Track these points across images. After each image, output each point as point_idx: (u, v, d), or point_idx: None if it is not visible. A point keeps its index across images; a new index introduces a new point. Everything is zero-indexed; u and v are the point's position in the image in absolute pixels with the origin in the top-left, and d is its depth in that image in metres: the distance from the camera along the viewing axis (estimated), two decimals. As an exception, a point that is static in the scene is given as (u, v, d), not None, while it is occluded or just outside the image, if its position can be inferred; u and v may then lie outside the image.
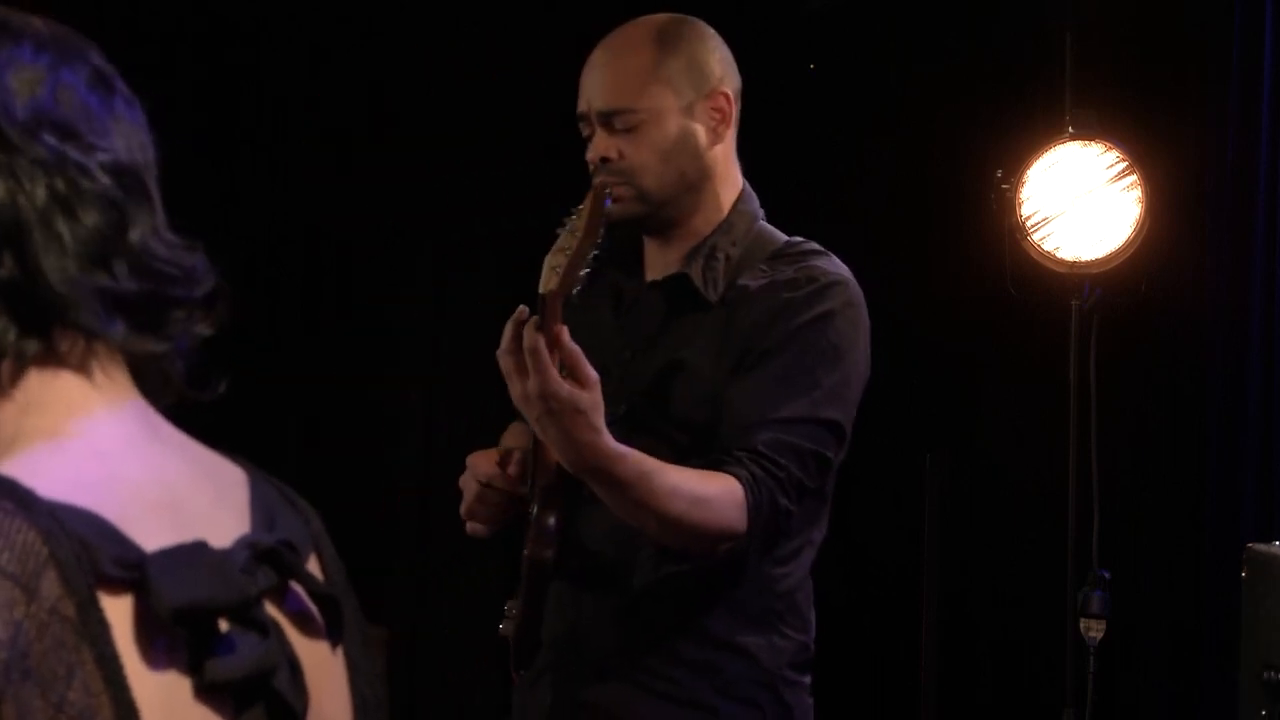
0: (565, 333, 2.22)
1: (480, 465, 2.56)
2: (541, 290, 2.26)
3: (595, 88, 2.52)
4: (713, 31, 2.58)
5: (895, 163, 4.46)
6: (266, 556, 1.06)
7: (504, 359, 2.24)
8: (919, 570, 4.22)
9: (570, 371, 2.22)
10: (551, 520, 2.43)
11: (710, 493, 2.34)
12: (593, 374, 2.23)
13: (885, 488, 4.43)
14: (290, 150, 4.89)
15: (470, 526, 2.58)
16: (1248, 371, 4.09)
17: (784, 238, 2.57)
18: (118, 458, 1.05)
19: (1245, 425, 4.08)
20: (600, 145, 2.50)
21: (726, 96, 2.54)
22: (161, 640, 0.99)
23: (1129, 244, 4.02)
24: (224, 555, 1.04)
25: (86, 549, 0.97)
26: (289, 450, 4.83)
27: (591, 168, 2.51)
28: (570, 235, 2.30)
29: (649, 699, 2.46)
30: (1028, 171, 4.05)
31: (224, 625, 1.02)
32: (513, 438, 2.64)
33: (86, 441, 1.05)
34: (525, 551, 2.44)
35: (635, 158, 2.49)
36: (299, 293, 4.96)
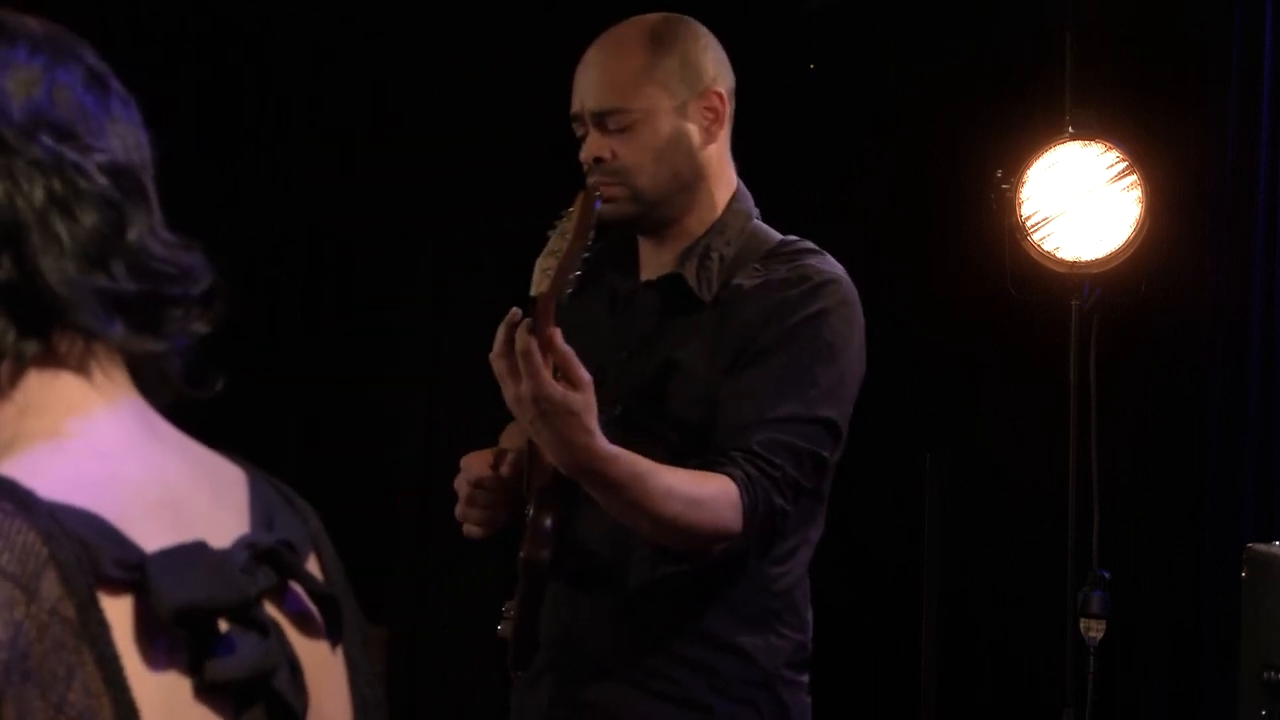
0: (558, 335, 2.22)
1: (473, 466, 2.55)
2: (533, 293, 2.25)
3: (588, 88, 2.51)
4: (706, 30, 2.58)
5: (895, 163, 4.46)
6: (266, 556, 1.06)
7: (497, 362, 2.24)
8: (919, 570, 4.22)
9: (563, 374, 2.22)
10: (548, 521, 2.42)
11: (705, 493, 2.33)
12: (586, 376, 2.23)
13: (885, 488, 4.43)
14: (292, 150, 4.89)
15: (466, 529, 2.57)
16: (1248, 371, 4.09)
17: (778, 236, 2.56)
18: (117, 458, 1.05)
19: (1245, 425, 4.08)
20: (594, 145, 2.50)
21: (720, 96, 2.54)
22: (161, 641, 0.99)
23: (1129, 244, 4.02)
24: (224, 555, 1.04)
25: (86, 549, 0.97)
26: (289, 450, 4.83)
27: (585, 168, 2.51)
28: (560, 238, 2.30)
29: (646, 699, 2.46)
30: (1028, 171, 4.05)
31: (224, 625, 1.02)
32: (510, 438, 2.63)
33: (86, 442, 1.05)
34: (521, 553, 2.44)
35: (629, 158, 2.49)
36: (299, 293, 4.97)
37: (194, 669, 1.01)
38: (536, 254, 2.34)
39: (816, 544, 2.57)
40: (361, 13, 4.84)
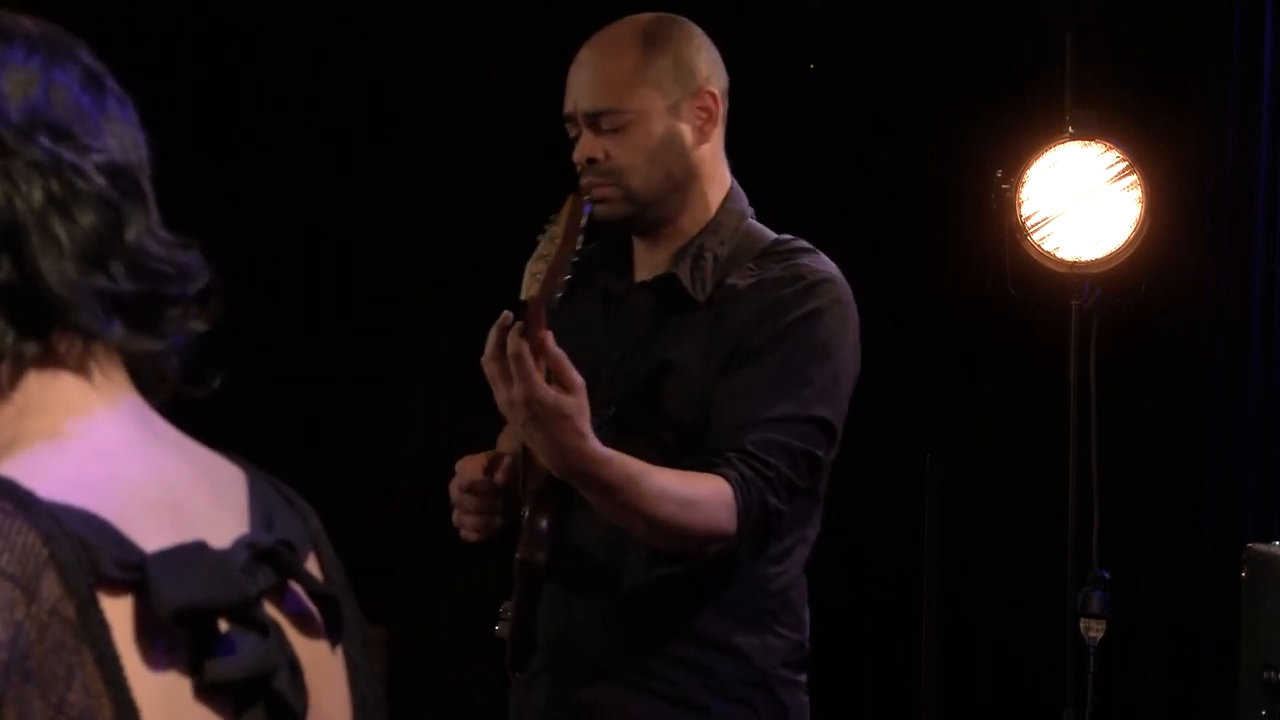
0: (550, 338, 2.21)
1: (466, 471, 2.56)
2: (523, 297, 2.25)
3: (581, 88, 2.51)
4: (699, 30, 2.57)
5: (895, 163, 4.46)
6: (266, 556, 1.06)
7: (488, 366, 2.23)
8: (919, 570, 4.21)
9: (555, 376, 2.22)
10: (543, 523, 2.43)
11: (698, 495, 2.33)
12: (578, 379, 2.23)
13: (885, 488, 4.43)
14: (290, 150, 4.89)
15: (462, 533, 2.57)
16: (1248, 371, 4.09)
17: (772, 235, 2.56)
18: (117, 458, 1.05)
19: (1245, 425, 4.08)
20: (587, 146, 2.50)
21: (713, 95, 2.53)
22: (161, 641, 0.99)
23: (1129, 244, 4.02)
24: (224, 555, 1.04)
25: (86, 550, 0.97)
26: (289, 450, 4.83)
27: (579, 168, 2.51)
28: (550, 242, 2.30)
29: (643, 699, 2.46)
30: (1028, 171, 4.05)
31: (224, 625, 1.02)
32: (506, 441, 2.63)
33: (86, 442, 1.05)
34: (517, 554, 2.44)
35: (622, 158, 2.48)
36: (299, 293, 4.97)
37: (194, 669, 1.01)
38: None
39: (813, 543, 2.57)
40: (359, 12, 4.84)
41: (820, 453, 2.44)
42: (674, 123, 2.50)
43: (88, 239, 1.04)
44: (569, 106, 2.53)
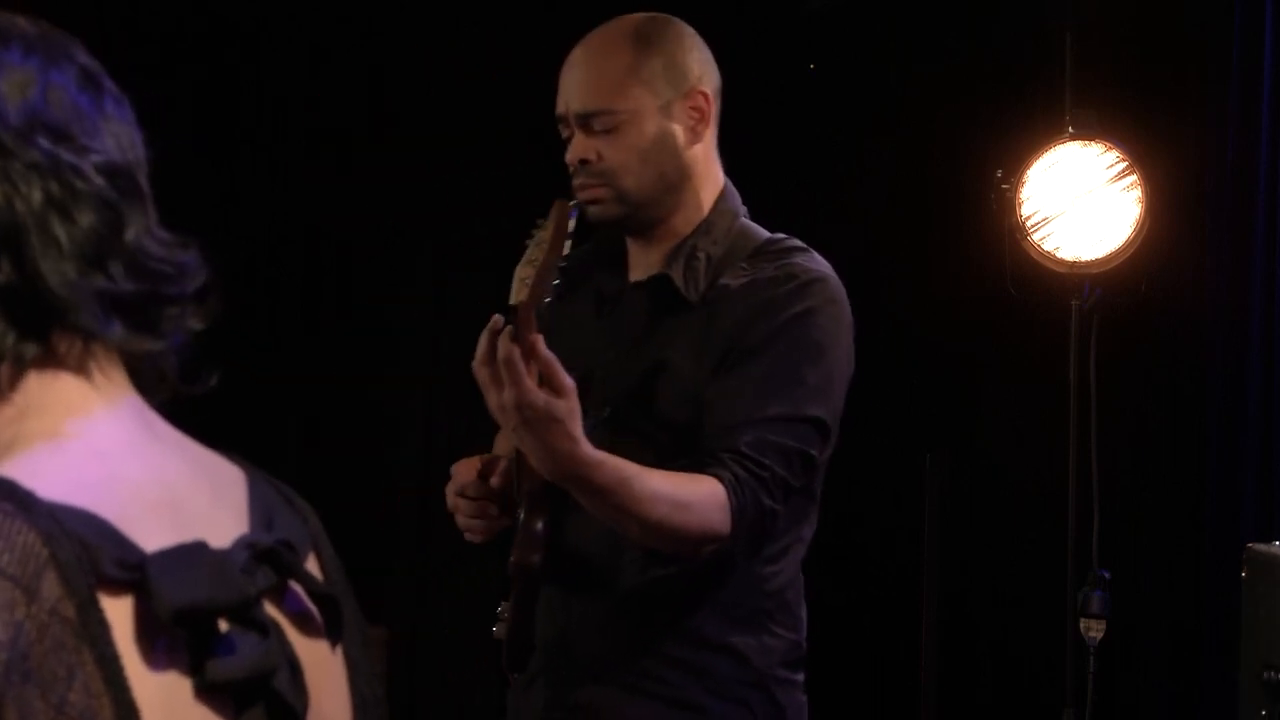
0: (540, 342, 2.21)
1: (459, 474, 2.56)
2: (512, 302, 2.25)
3: (573, 90, 2.51)
4: (691, 30, 2.57)
5: (895, 163, 4.46)
6: (266, 556, 1.06)
7: (479, 370, 2.23)
8: (919, 570, 4.22)
9: (546, 380, 2.21)
10: (539, 525, 2.43)
11: (692, 496, 2.33)
12: (569, 382, 2.22)
13: (885, 488, 4.43)
14: (290, 150, 4.89)
15: (466, 535, 2.58)
16: (1248, 371, 4.09)
17: (765, 234, 2.55)
18: (117, 458, 1.05)
19: (1245, 425, 4.08)
20: (579, 147, 2.49)
21: (705, 95, 2.53)
22: (162, 641, 0.99)
23: (1129, 244, 4.02)
24: (224, 555, 1.04)
25: (87, 550, 0.97)
26: (289, 450, 4.83)
27: (571, 169, 2.51)
28: (537, 247, 2.30)
29: (640, 701, 2.46)
30: (1028, 171, 4.06)
31: (224, 626, 1.02)
32: (503, 443, 2.63)
33: (86, 442, 1.05)
34: (512, 557, 2.44)
35: (614, 159, 2.48)
36: (299, 293, 4.96)
37: (194, 669, 1.01)
38: (535, 254, 2.34)
39: (810, 542, 2.56)
40: (358, 12, 4.84)
41: (814, 452, 2.43)
42: (666, 123, 2.50)
43: (87, 240, 1.04)
44: (561, 107, 2.52)
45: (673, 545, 2.37)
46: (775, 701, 2.51)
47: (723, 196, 2.57)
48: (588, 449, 2.25)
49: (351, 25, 4.85)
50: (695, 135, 2.52)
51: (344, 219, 4.86)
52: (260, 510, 1.12)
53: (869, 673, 4.54)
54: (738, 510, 2.34)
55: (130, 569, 0.98)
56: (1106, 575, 3.94)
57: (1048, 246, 4.05)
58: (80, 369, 1.06)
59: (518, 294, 2.25)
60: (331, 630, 1.12)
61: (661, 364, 2.47)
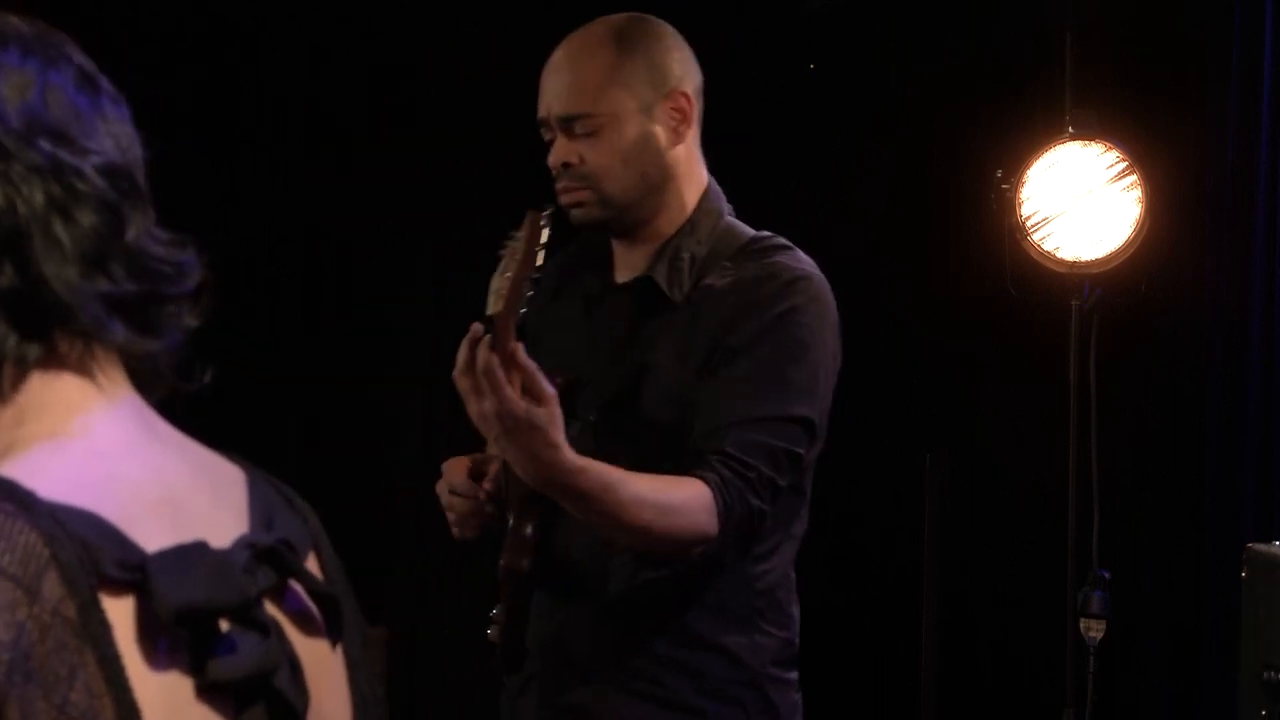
0: (520, 350, 2.21)
1: (450, 472, 2.56)
2: (489, 312, 2.26)
3: (554, 93, 2.51)
4: (671, 29, 2.56)
5: (895, 163, 4.46)
6: (266, 556, 1.06)
7: (460, 380, 2.23)
8: (919, 570, 4.22)
9: (526, 388, 2.22)
10: (528, 529, 2.43)
11: (677, 499, 2.33)
12: (549, 390, 2.22)
13: (885, 488, 4.43)
14: (290, 150, 4.89)
15: (455, 531, 2.58)
16: (1248, 371, 4.09)
17: (750, 233, 2.55)
18: (117, 458, 1.05)
19: (1245, 425, 4.08)
20: (561, 151, 2.49)
21: (686, 96, 2.52)
22: (163, 641, 0.99)
23: (1129, 244, 4.02)
24: (224, 555, 1.04)
25: (88, 550, 0.97)
26: (289, 450, 4.83)
27: (554, 173, 2.51)
28: (511, 259, 2.31)
29: (633, 702, 2.46)
30: (1028, 171, 4.06)
31: (225, 625, 1.02)
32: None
33: (86, 442, 1.05)
34: (501, 561, 2.45)
35: (596, 162, 2.48)
36: (299, 293, 4.96)
37: (195, 669, 1.01)
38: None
39: (801, 539, 2.56)
40: (359, 11, 4.84)
41: (801, 451, 2.43)
42: (648, 125, 2.50)
43: (89, 241, 1.04)
44: (542, 111, 2.52)
45: (660, 548, 2.37)
46: (769, 701, 2.51)
47: (706, 196, 2.56)
48: (570, 455, 2.25)
49: (351, 25, 4.85)
50: (677, 136, 2.52)
51: (344, 219, 4.86)
52: (260, 510, 1.12)
53: (869, 672, 4.54)
54: (724, 512, 2.34)
55: (131, 569, 0.98)
56: (1106, 575, 3.94)
57: (1048, 246, 4.05)
58: (81, 369, 1.06)
59: (494, 305, 2.26)
60: (332, 630, 1.12)
61: (646, 366, 2.47)
